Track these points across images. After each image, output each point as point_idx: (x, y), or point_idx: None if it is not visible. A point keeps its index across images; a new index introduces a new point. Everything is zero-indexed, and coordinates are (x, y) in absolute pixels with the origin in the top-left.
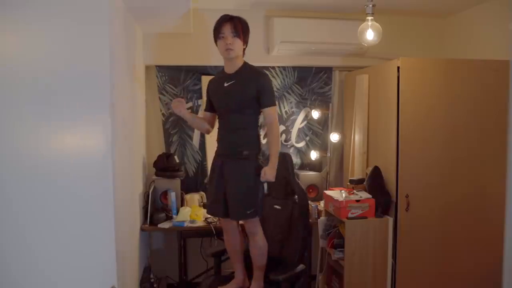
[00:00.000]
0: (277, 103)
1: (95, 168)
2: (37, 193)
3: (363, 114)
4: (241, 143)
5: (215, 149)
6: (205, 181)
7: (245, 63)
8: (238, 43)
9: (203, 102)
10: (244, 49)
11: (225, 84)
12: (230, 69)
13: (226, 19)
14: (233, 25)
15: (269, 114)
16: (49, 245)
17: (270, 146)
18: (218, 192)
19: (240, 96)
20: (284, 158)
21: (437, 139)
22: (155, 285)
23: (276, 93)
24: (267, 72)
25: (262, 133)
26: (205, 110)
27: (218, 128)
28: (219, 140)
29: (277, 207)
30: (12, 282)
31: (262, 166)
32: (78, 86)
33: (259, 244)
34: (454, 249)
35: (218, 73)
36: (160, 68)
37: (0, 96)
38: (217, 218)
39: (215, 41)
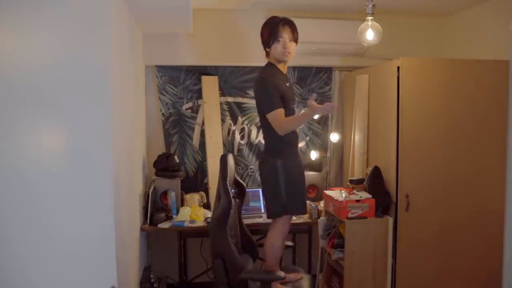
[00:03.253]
0: None
1: (95, 168)
2: (36, 193)
3: (363, 114)
4: None
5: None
6: (206, 182)
7: None
8: (294, 47)
9: (203, 102)
10: None
11: (287, 84)
12: (284, 70)
13: (284, 23)
14: (292, 30)
15: None
16: (49, 246)
17: None
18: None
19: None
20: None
21: (437, 139)
22: (155, 285)
23: None
24: None
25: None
26: (280, 107)
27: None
28: (293, 140)
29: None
30: (12, 282)
31: None
32: (77, 86)
33: None
34: (454, 249)
35: (273, 71)
36: (160, 68)
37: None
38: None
39: (269, 42)
